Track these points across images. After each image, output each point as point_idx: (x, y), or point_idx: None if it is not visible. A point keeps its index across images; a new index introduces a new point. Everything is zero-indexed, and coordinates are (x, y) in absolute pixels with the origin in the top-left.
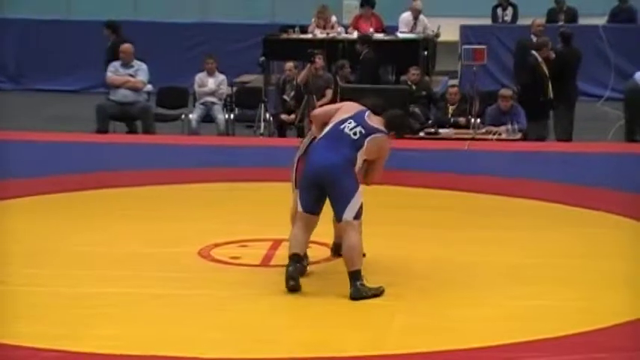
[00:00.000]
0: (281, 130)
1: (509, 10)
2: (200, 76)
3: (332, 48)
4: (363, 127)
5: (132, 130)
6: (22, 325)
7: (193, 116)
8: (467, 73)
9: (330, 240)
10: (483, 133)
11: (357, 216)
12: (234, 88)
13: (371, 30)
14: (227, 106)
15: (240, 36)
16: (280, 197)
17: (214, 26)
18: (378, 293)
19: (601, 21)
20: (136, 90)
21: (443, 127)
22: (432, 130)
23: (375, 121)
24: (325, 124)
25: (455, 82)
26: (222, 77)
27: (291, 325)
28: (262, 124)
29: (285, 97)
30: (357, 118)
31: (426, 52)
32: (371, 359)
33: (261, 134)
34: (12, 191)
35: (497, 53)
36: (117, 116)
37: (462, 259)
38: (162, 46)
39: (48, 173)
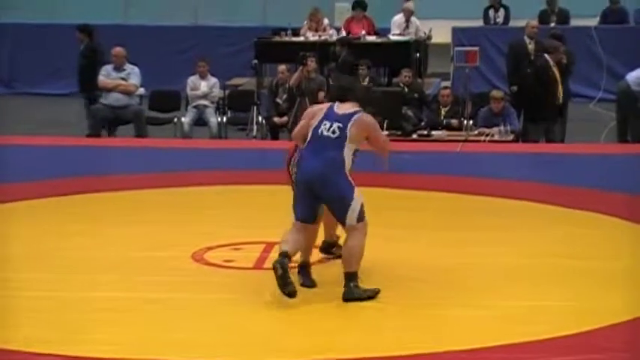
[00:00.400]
0: (274, 132)
1: (501, 12)
2: (192, 80)
3: (324, 51)
4: (338, 121)
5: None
6: (16, 330)
7: (186, 119)
8: (459, 75)
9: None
10: (476, 135)
11: (361, 218)
12: (227, 91)
13: (363, 32)
14: (219, 109)
15: (232, 39)
16: (273, 200)
17: (206, 29)
18: (373, 295)
19: (593, 22)
20: (128, 93)
21: (435, 129)
22: (425, 132)
23: (345, 108)
24: (305, 135)
25: (447, 84)
26: (214, 80)
27: (285, 328)
28: (255, 127)
29: (277, 99)
30: (329, 115)
31: (418, 55)
32: None
33: (254, 137)
34: (4, 196)
35: (490, 55)
36: (109, 120)
37: (457, 260)
38: (154, 50)
39: (40, 177)
